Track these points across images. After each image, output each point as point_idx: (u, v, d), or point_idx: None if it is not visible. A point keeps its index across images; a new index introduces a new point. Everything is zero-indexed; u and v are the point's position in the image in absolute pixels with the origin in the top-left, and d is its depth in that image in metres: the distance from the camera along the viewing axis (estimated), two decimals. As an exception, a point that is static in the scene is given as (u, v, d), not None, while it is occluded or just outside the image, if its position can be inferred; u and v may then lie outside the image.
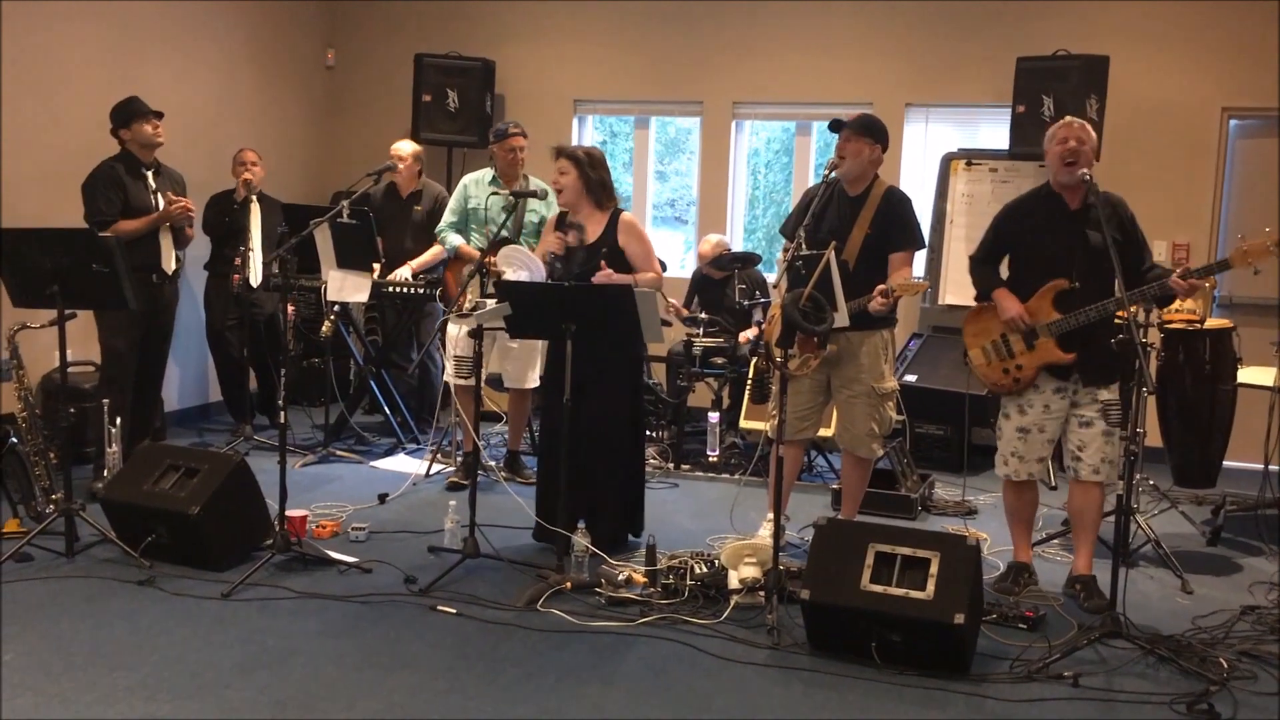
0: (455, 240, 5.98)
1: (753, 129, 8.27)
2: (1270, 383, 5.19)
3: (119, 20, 6.63)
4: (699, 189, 8.13)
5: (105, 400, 5.42)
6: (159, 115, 5.73)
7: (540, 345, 5.68)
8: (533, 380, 5.83)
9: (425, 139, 7.56)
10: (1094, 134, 4.38)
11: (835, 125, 4.67)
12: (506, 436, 6.27)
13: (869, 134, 4.64)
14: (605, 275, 4.79)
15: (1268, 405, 5.20)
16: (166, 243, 5.78)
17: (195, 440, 6.80)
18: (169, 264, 5.81)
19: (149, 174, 5.73)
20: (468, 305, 5.51)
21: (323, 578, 4.46)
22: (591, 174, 4.93)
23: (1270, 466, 5.29)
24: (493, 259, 5.04)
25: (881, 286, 4.47)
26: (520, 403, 5.97)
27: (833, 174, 4.65)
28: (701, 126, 8.06)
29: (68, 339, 4.63)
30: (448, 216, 6.09)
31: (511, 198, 5.48)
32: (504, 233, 5.59)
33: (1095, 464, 4.35)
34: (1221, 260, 4.20)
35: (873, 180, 4.71)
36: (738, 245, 7.79)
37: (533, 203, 5.70)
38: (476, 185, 5.97)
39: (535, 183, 5.65)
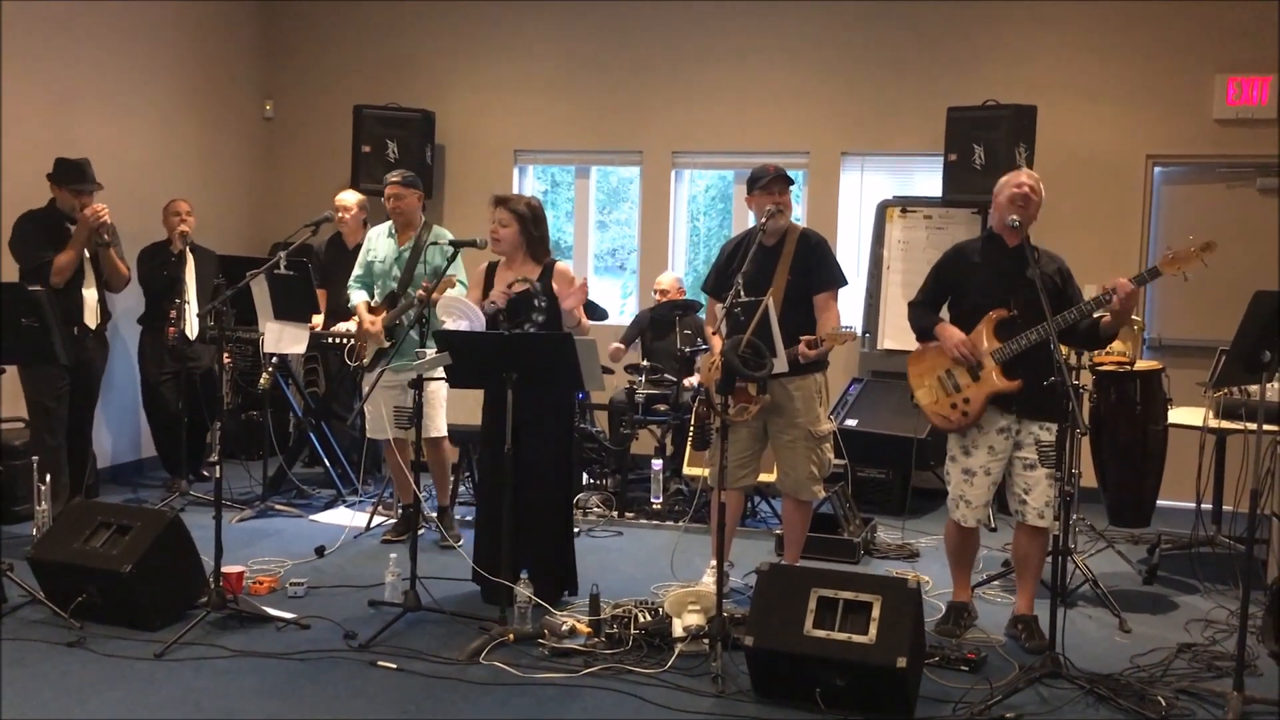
0: (356, 298, 5.81)
1: (691, 177, 8.36)
2: (1199, 423, 5.29)
3: (54, 72, 6.56)
4: (640, 237, 8.19)
5: (35, 457, 5.30)
6: (99, 187, 5.67)
7: (443, 392, 5.63)
8: (438, 429, 5.69)
9: (365, 189, 7.52)
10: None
11: (784, 179, 4.77)
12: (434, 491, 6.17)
13: (791, 184, 4.83)
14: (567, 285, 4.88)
15: (1198, 445, 5.31)
16: (89, 296, 5.69)
17: (129, 496, 6.66)
18: (92, 318, 5.72)
19: (72, 227, 5.65)
20: (368, 358, 5.63)
21: (260, 635, 4.37)
22: (533, 230, 4.95)
23: (1203, 505, 5.40)
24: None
25: (807, 338, 4.53)
26: (436, 453, 5.76)
27: (767, 221, 4.72)
28: (642, 176, 8.13)
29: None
30: (355, 270, 5.89)
31: (404, 250, 5.60)
32: (392, 285, 5.66)
33: (1040, 508, 4.38)
34: (1151, 269, 4.28)
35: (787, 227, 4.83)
36: (679, 292, 7.83)
37: (432, 251, 5.64)
38: (378, 237, 5.82)
39: (439, 232, 5.68)
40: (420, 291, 5.15)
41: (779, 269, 4.75)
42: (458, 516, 6.06)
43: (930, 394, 4.54)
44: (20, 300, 4.49)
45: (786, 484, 4.89)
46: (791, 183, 4.82)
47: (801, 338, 4.53)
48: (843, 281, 4.86)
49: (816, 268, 4.78)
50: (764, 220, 4.73)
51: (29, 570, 4.58)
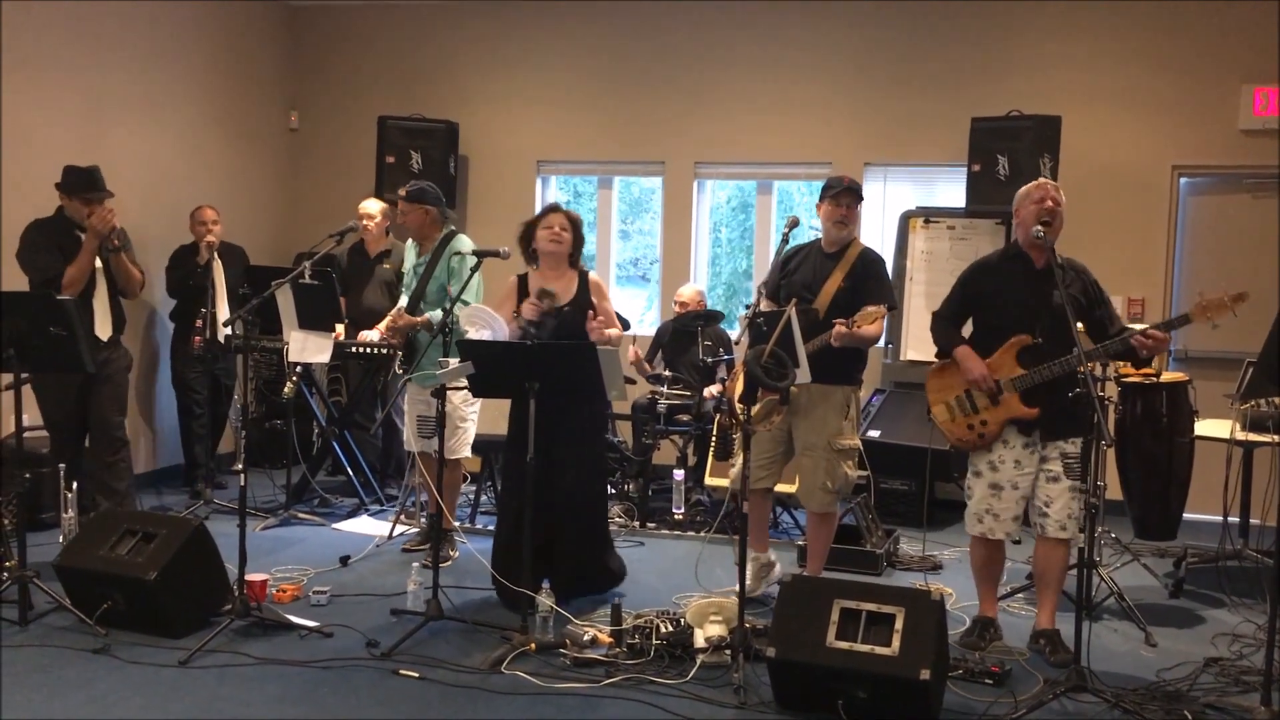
0: (403, 302, 5.89)
1: (713, 187, 8.36)
2: (1226, 435, 5.25)
3: (84, 85, 6.63)
4: (662, 247, 8.20)
5: (61, 465, 5.33)
6: (109, 194, 5.54)
7: (466, 411, 5.61)
8: (451, 450, 5.51)
9: (388, 200, 7.57)
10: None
11: (854, 193, 4.83)
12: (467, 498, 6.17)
13: (861, 200, 4.93)
14: (599, 326, 4.87)
15: (1225, 458, 5.26)
16: (100, 307, 5.57)
17: (155, 504, 6.69)
18: (103, 329, 5.58)
19: (82, 235, 5.48)
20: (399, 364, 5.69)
21: (283, 643, 4.39)
22: (581, 238, 5.06)
23: (1230, 518, 5.35)
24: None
25: (841, 320, 4.57)
26: (448, 474, 5.46)
27: (792, 230, 4.79)
28: (664, 186, 8.14)
29: (23, 403, 4.56)
30: (407, 278, 5.97)
31: (421, 262, 5.65)
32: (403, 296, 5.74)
33: (1062, 520, 4.35)
34: (1181, 315, 4.23)
35: (852, 238, 4.89)
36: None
37: (455, 261, 5.60)
38: (408, 248, 5.88)
39: (460, 242, 5.61)
40: (383, 327, 5.58)
41: (834, 274, 4.82)
42: (479, 526, 6.06)
43: (947, 412, 4.53)
44: (49, 309, 4.52)
45: (800, 491, 4.93)
46: (861, 198, 4.91)
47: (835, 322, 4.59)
48: (892, 303, 4.85)
49: (869, 281, 4.82)
50: (787, 229, 4.76)
51: (55, 577, 4.61)
